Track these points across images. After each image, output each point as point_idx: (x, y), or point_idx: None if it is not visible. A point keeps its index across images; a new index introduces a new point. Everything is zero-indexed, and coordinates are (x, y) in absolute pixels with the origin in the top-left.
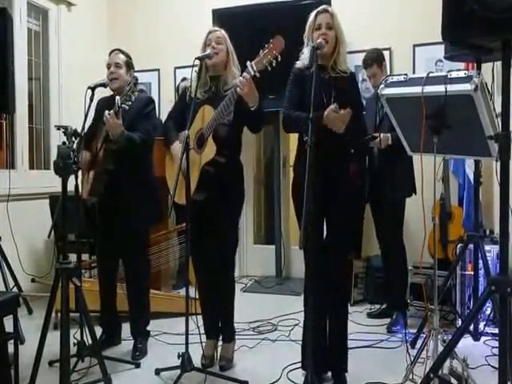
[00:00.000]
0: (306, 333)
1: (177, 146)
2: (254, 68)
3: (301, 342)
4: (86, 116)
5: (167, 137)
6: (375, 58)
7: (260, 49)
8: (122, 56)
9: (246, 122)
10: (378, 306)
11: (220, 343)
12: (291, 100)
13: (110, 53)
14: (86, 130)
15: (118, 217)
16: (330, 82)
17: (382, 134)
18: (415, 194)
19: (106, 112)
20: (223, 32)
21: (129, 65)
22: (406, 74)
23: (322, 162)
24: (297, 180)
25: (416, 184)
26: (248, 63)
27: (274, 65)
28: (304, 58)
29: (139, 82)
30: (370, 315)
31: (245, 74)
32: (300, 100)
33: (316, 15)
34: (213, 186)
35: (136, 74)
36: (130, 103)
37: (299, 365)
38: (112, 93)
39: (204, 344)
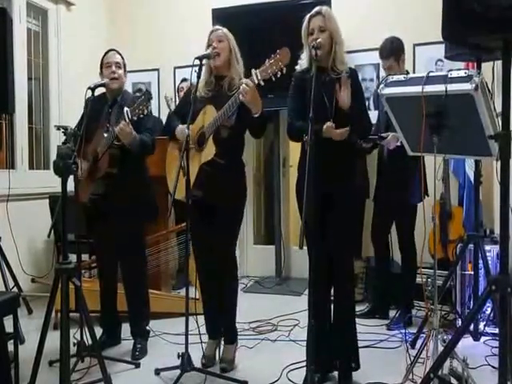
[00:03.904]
0: (309, 332)
1: (180, 129)
2: (259, 76)
3: (301, 342)
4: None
5: (171, 126)
6: (393, 50)
7: (261, 50)
8: (119, 56)
9: (248, 127)
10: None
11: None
12: (293, 108)
13: (107, 52)
14: (82, 130)
15: (116, 217)
16: (331, 83)
17: (390, 134)
18: (428, 195)
19: (120, 126)
20: (225, 30)
21: (125, 66)
22: (406, 73)
23: (323, 161)
24: (300, 180)
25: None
26: (253, 71)
27: (278, 76)
28: (302, 62)
29: (137, 81)
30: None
31: (248, 81)
32: (303, 105)
33: (309, 20)
34: (211, 185)
35: (135, 73)
36: (142, 116)
37: (299, 365)
38: (102, 92)
39: (205, 344)
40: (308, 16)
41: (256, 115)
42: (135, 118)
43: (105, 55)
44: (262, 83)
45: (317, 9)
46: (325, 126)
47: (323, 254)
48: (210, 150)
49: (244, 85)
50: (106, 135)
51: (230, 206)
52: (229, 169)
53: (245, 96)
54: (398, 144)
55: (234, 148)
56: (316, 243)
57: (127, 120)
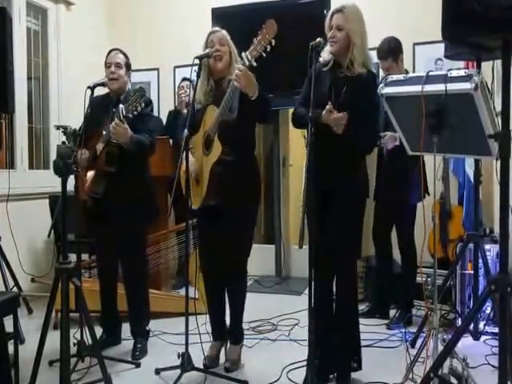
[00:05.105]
0: (310, 333)
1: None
2: (249, 57)
3: (301, 342)
4: (85, 116)
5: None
6: (391, 51)
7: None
8: (121, 56)
9: (252, 113)
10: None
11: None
12: (303, 95)
13: (109, 52)
14: (81, 129)
15: (116, 217)
16: (344, 81)
17: (388, 133)
18: (428, 194)
19: (113, 123)
20: (224, 32)
21: (128, 66)
22: (405, 73)
23: (325, 158)
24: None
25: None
26: (243, 54)
27: (268, 50)
28: (324, 55)
29: (137, 81)
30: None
31: (240, 66)
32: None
33: (331, 15)
34: (224, 188)
35: (135, 73)
36: (136, 113)
37: (299, 364)
38: (106, 91)
39: (205, 344)
40: (331, 11)
41: (253, 98)
42: (130, 115)
43: (107, 55)
44: (254, 64)
45: (341, 5)
46: (324, 111)
47: (324, 251)
48: (217, 150)
49: (237, 70)
50: (104, 133)
51: (239, 206)
52: (238, 165)
53: (239, 81)
54: (397, 143)
55: (241, 144)
56: (316, 240)
57: (121, 117)
